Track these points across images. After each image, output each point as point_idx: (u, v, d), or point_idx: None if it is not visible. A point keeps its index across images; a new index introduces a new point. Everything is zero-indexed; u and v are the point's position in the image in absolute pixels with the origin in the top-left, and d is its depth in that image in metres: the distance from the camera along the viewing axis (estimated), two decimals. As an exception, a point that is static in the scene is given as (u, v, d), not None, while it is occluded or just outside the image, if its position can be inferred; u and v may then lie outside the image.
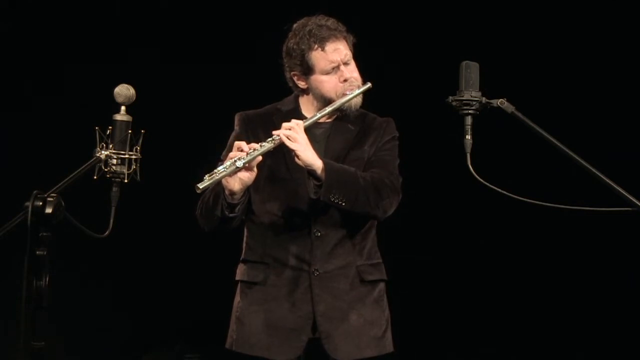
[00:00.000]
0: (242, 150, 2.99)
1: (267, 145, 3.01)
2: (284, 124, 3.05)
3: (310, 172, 3.04)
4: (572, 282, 5.10)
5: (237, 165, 2.96)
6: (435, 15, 5.16)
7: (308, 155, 3.01)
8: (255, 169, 3.01)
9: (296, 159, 3.02)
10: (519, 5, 5.11)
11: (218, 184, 3.02)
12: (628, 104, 5.03)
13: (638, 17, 5.01)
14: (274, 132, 3.04)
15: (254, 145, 3.01)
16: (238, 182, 3.00)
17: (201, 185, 2.94)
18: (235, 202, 3.05)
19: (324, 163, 3.03)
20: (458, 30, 5.08)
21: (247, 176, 3.00)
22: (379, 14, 5.06)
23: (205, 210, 3.14)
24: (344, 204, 3.06)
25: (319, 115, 3.14)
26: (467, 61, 2.79)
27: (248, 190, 3.08)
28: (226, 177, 2.98)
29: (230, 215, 3.07)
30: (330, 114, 3.21)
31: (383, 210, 3.16)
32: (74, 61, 5.12)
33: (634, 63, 5.01)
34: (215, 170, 2.97)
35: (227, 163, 2.98)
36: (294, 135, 3.02)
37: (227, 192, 3.02)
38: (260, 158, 3.01)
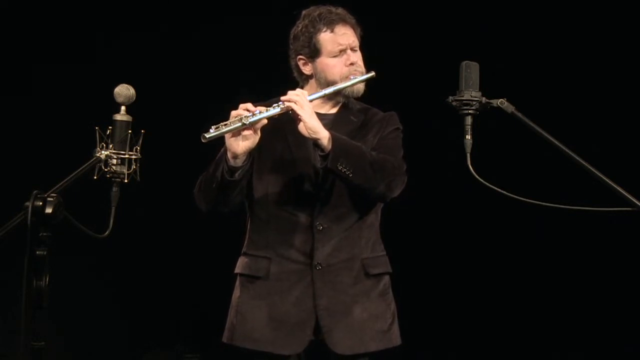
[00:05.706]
0: (248, 111, 3.00)
1: (273, 110, 3.02)
2: (290, 92, 3.06)
3: (315, 143, 3.03)
4: (572, 281, 5.10)
5: (244, 122, 2.95)
6: (436, 15, 5.17)
7: (313, 122, 3.01)
8: (259, 133, 3.00)
9: (301, 127, 3.00)
10: (519, 5, 5.11)
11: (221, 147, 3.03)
12: (628, 104, 5.03)
13: (638, 17, 5.01)
14: (281, 98, 3.04)
15: (260, 107, 3.02)
16: (241, 142, 2.99)
17: (207, 135, 2.93)
18: (238, 165, 3.04)
19: (330, 133, 3.03)
20: (458, 30, 5.08)
21: (250, 138, 2.99)
22: (379, 13, 5.06)
23: (204, 182, 3.13)
24: (351, 174, 3.03)
25: (322, 92, 3.15)
26: (467, 61, 2.79)
27: (250, 155, 3.07)
28: (230, 139, 2.98)
29: (231, 179, 3.05)
30: (333, 104, 3.25)
31: (390, 188, 3.13)
32: (74, 61, 5.12)
33: (634, 63, 5.01)
34: (221, 124, 2.97)
35: (234, 119, 2.98)
36: (300, 101, 3.02)
37: (229, 155, 3.02)
38: (265, 121, 3.00)
